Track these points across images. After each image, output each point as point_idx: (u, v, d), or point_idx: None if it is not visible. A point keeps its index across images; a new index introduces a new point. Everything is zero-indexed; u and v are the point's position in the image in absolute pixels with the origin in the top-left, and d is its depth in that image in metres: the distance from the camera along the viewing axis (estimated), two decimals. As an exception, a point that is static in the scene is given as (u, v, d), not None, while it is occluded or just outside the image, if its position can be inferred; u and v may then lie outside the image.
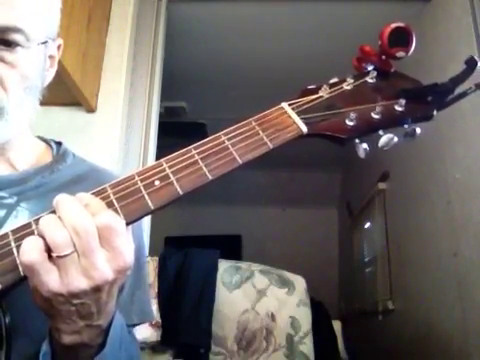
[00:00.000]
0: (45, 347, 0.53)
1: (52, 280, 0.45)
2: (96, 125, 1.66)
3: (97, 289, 0.47)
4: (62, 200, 0.47)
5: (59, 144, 0.78)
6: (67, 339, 0.50)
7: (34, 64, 0.65)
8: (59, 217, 0.46)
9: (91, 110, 1.65)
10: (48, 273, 0.45)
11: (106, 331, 0.53)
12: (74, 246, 0.46)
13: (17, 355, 0.52)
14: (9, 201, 0.64)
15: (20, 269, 0.47)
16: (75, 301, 0.47)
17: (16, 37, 0.61)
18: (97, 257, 0.46)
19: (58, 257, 0.45)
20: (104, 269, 0.46)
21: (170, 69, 2.08)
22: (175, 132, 3.02)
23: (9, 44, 0.61)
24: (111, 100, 1.69)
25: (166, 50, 2.01)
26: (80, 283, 0.46)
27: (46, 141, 0.78)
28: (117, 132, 1.67)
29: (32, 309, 0.57)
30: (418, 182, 2.42)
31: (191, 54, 2.65)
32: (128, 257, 0.48)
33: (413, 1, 2.13)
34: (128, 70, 1.77)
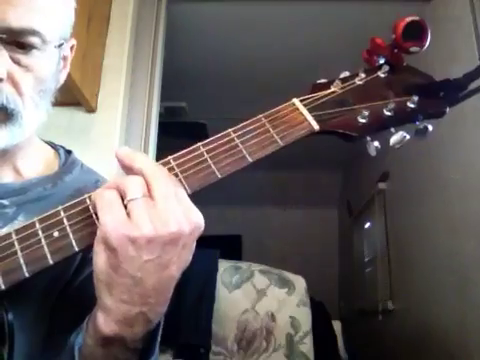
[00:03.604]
0: (79, 341, 0.51)
1: (123, 221, 0.44)
2: (96, 125, 1.66)
3: (168, 243, 0.45)
4: (133, 154, 0.49)
5: (69, 153, 0.75)
6: (112, 328, 0.46)
7: (49, 67, 0.64)
8: (132, 167, 0.48)
9: (91, 110, 1.65)
10: (120, 214, 0.45)
11: (150, 337, 0.50)
12: (149, 190, 0.46)
13: (17, 354, 0.51)
14: (8, 211, 0.62)
15: (24, 269, 0.47)
16: (144, 255, 0.44)
17: (33, 40, 0.59)
18: (174, 203, 0.45)
19: (129, 201, 0.45)
20: (181, 217, 0.45)
21: (170, 69, 2.08)
22: (175, 132, 3.01)
23: (25, 47, 0.59)
24: (111, 100, 1.68)
25: (166, 50, 2.01)
26: (152, 230, 0.44)
27: (55, 148, 0.75)
28: (117, 132, 1.66)
29: (31, 310, 0.57)
30: (418, 182, 2.41)
31: (191, 54, 2.65)
32: (201, 217, 0.47)
33: (413, 1, 2.13)
34: (128, 70, 1.77)
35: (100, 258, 0.45)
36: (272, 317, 1.71)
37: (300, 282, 1.81)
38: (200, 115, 3.34)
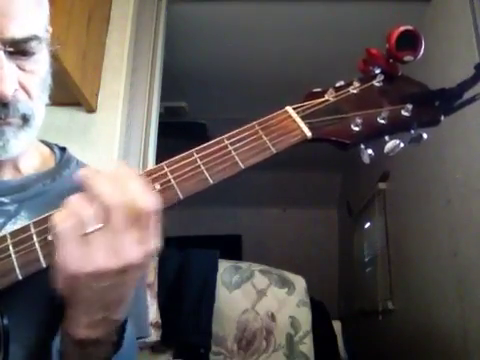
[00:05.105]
0: (57, 344, 0.52)
1: (80, 255, 0.45)
2: (96, 125, 1.66)
3: (124, 271, 0.46)
4: (93, 177, 0.47)
5: (63, 150, 0.76)
6: (82, 333, 0.49)
7: (46, 65, 0.66)
8: (90, 194, 0.46)
9: (91, 110, 1.65)
10: (77, 247, 0.45)
11: (121, 329, 0.53)
12: (104, 223, 0.45)
13: (12, 359, 0.52)
14: (9, 208, 0.63)
15: (17, 272, 0.47)
16: (100, 283, 0.46)
17: (33, 45, 0.61)
18: (128, 237, 0.45)
19: (86, 234, 0.45)
20: (134, 250, 0.46)
21: (170, 69, 2.08)
22: (175, 132, 3.02)
23: (28, 53, 0.61)
24: (111, 100, 1.68)
25: (166, 50, 2.01)
26: (108, 262, 0.45)
27: (50, 146, 0.76)
28: (117, 132, 1.66)
29: (25, 314, 0.57)
30: (418, 182, 2.41)
31: (191, 54, 2.65)
32: (157, 241, 0.47)
33: (413, 1, 2.13)
34: (128, 70, 1.77)
35: (60, 279, 0.46)
36: (272, 317, 1.71)
37: (300, 282, 1.81)
38: (200, 115, 3.34)
